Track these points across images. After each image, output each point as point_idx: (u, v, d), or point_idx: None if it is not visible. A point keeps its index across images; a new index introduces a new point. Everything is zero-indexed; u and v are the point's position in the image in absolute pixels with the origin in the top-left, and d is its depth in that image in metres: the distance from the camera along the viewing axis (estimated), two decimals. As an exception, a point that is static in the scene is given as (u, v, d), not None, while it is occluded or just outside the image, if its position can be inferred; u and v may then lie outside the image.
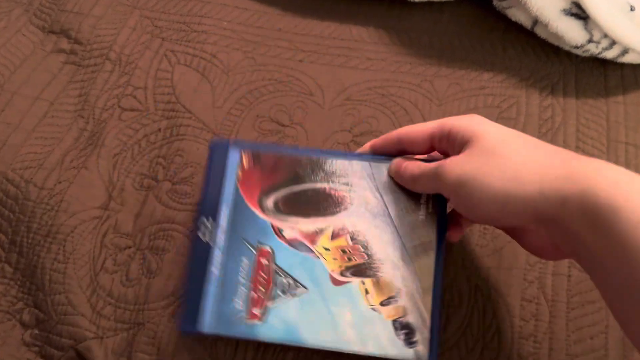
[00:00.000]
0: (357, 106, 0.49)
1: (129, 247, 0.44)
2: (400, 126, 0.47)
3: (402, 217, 0.38)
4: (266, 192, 0.39)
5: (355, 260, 0.38)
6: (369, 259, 0.38)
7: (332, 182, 0.39)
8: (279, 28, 0.55)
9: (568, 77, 0.50)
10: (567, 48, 0.50)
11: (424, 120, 0.48)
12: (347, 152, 0.42)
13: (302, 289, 0.38)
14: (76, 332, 0.40)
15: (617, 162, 0.45)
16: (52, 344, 0.40)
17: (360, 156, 0.40)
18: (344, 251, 0.38)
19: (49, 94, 0.51)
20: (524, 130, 0.47)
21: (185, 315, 0.37)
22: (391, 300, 0.37)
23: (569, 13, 0.47)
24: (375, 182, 0.39)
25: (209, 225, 0.39)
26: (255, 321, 0.37)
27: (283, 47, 0.53)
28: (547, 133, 0.47)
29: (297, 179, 0.40)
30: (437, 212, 0.38)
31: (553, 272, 0.41)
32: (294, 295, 0.37)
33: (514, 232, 0.37)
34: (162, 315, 0.41)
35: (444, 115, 0.48)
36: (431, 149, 0.37)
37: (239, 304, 0.37)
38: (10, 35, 0.55)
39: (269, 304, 0.37)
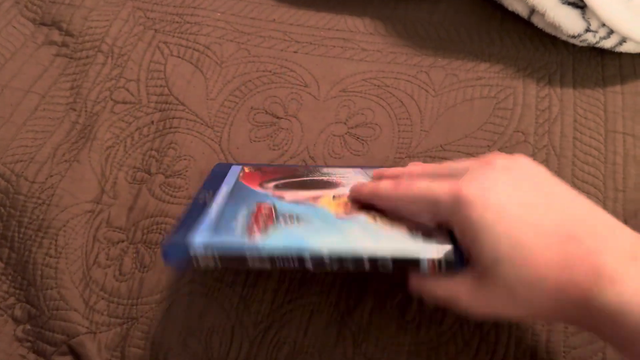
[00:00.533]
0: (353, 98, 0.49)
1: (122, 241, 0.43)
2: (397, 118, 0.47)
3: None
4: (267, 181, 0.39)
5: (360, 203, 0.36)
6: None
7: (329, 176, 0.40)
8: (274, 19, 0.54)
9: (565, 67, 0.49)
10: (564, 38, 0.49)
11: (420, 112, 0.47)
12: (343, 166, 0.44)
13: (305, 219, 0.34)
14: (69, 327, 0.40)
15: (615, 153, 0.45)
16: (44, 340, 0.40)
17: (354, 167, 0.42)
18: (346, 204, 0.36)
19: (40, 87, 0.51)
20: (520, 121, 0.46)
21: (172, 240, 0.32)
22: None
23: (566, 2, 0.47)
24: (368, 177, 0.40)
25: (208, 194, 0.37)
26: (256, 235, 0.32)
27: (277, 38, 0.53)
28: (544, 124, 0.46)
29: (295, 177, 0.40)
30: None
31: (551, 264, 0.41)
32: (297, 224, 0.34)
33: None
34: (156, 310, 0.40)
35: (440, 106, 0.48)
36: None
37: (237, 226, 0.33)
38: (1, 28, 0.54)
39: (271, 226, 0.33)
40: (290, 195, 0.37)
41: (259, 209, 0.35)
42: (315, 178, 0.40)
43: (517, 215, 0.29)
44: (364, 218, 0.34)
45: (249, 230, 0.33)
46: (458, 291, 0.31)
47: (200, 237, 0.32)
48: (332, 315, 0.39)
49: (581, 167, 0.44)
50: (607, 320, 0.26)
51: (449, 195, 0.30)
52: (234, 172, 0.41)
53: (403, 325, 0.39)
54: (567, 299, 0.28)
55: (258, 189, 0.38)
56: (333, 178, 0.40)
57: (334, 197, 0.37)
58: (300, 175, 0.41)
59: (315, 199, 0.37)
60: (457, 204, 0.30)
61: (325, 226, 0.33)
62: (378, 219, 0.34)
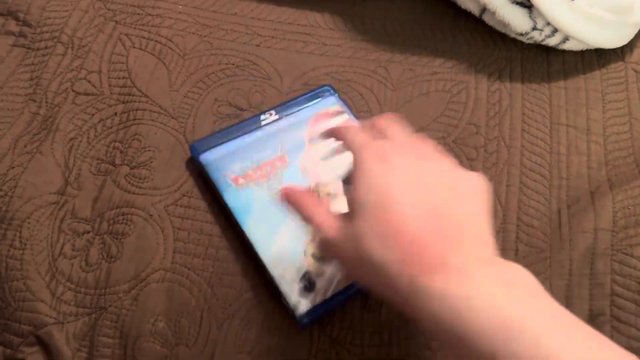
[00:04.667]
0: (315, 90, 0.50)
1: (88, 232, 0.43)
2: (357, 111, 0.49)
3: None
4: (321, 136, 0.40)
5: None
6: None
7: None
8: (235, 12, 0.55)
9: (514, 63, 0.53)
10: (513, 35, 0.52)
11: (379, 105, 0.50)
12: None
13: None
14: (36, 318, 0.40)
15: (559, 144, 0.48)
16: (11, 331, 0.40)
17: None
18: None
19: (-3, 77, 0.50)
20: (472, 114, 0.49)
21: (200, 142, 0.45)
22: (321, 261, 0.41)
23: (514, 1, 0.50)
24: None
25: (273, 116, 0.47)
26: (232, 184, 0.43)
27: (240, 31, 0.54)
28: (495, 116, 0.49)
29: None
30: None
31: (502, 248, 0.43)
32: (270, 194, 0.43)
33: None
34: (125, 299, 0.41)
35: (398, 99, 0.50)
36: None
37: (236, 168, 0.44)
38: (-47, 17, 0.53)
39: (252, 185, 0.44)
40: (310, 163, 0.45)
41: (275, 160, 0.45)
42: None
43: (402, 187, 0.30)
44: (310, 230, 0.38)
45: (235, 178, 0.44)
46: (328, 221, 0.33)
47: (204, 160, 0.44)
48: (298, 299, 0.41)
49: (529, 156, 0.47)
50: (443, 309, 0.27)
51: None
52: (321, 105, 0.48)
53: (366, 307, 0.41)
54: (404, 272, 0.28)
55: (305, 140, 0.46)
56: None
57: (328, 193, 0.44)
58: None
59: (317, 180, 0.44)
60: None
61: (276, 218, 0.42)
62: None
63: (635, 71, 0.52)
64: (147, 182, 0.45)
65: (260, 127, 0.46)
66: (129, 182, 0.45)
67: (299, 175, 0.44)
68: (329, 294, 0.40)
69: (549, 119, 0.50)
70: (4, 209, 0.43)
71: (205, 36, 0.53)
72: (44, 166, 0.45)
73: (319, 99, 0.48)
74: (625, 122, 0.49)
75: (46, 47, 0.52)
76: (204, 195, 0.45)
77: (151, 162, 0.46)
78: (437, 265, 0.28)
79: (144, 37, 0.52)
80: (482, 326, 0.25)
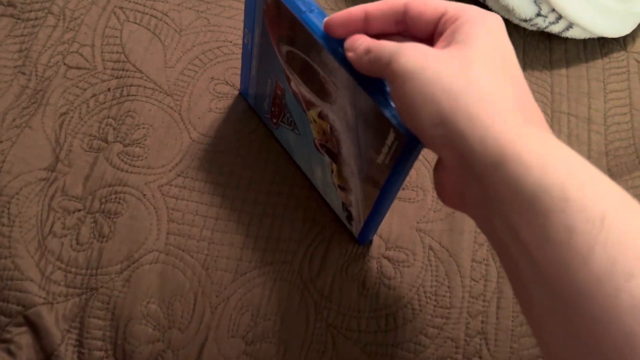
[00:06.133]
0: (314, 71, 0.49)
1: (79, 211, 0.42)
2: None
3: (366, 148, 0.35)
4: (281, 39, 0.37)
5: (330, 145, 0.39)
6: (338, 153, 0.38)
7: (324, 72, 0.35)
8: (233, -11, 0.53)
9: (516, 50, 0.52)
10: (516, 21, 0.51)
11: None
12: (342, 56, 0.33)
13: (297, 131, 0.42)
14: (25, 297, 0.39)
15: (559, 132, 0.48)
16: (-2, 310, 0.39)
17: (350, 69, 0.32)
18: (324, 132, 0.38)
19: (-15, 48, 0.48)
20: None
21: (242, 84, 0.47)
22: (345, 189, 0.40)
23: (520, -14, 0.49)
24: (353, 101, 0.34)
25: (248, 33, 0.41)
26: (272, 124, 0.45)
27: (238, 8, 0.52)
28: (496, 103, 0.48)
29: (296, 44, 0.36)
30: (395, 165, 0.33)
31: (500, 235, 0.43)
32: (291, 130, 0.43)
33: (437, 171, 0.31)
34: (116, 280, 0.40)
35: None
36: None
37: (267, 105, 0.44)
38: (-61, -17, 0.51)
39: (280, 122, 0.44)
40: (294, 83, 0.39)
41: (276, 90, 0.42)
42: (314, 67, 0.35)
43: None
44: (327, 162, 0.40)
45: (271, 117, 0.45)
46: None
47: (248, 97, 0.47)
48: (295, 282, 0.40)
49: (529, 144, 0.47)
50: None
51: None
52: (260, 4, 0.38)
53: (363, 293, 0.40)
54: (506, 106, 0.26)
55: (277, 53, 0.38)
56: (327, 82, 0.35)
57: (319, 114, 0.38)
58: (301, 45, 0.36)
59: (308, 106, 0.39)
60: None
61: (308, 152, 0.42)
62: (334, 169, 0.40)
63: (637, 61, 0.52)
64: (141, 160, 0.44)
65: (250, 54, 0.42)
66: (122, 160, 0.44)
67: (294, 100, 0.40)
68: (362, 220, 0.39)
69: (550, 107, 0.49)
70: (-9, 184, 0.42)
71: (202, 12, 0.51)
72: (33, 141, 0.44)
73: None
74: (626, 113, 0.49)
75: (36, 18, 0.50)
76: (199, 176, 0.44)
77: (145, 139, 0.45)
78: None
79: (139, 11, 0.51)
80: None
